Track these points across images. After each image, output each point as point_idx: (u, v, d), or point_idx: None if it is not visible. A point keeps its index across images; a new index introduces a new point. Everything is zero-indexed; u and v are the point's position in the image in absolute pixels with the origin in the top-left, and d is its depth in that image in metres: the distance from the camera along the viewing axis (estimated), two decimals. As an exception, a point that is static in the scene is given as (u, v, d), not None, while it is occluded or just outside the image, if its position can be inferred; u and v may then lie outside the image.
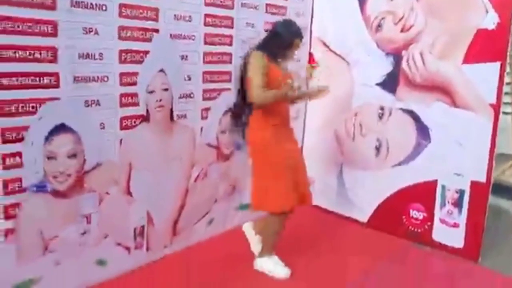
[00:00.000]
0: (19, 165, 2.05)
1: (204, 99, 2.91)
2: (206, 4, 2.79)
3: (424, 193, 3.11)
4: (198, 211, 3.03)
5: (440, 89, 2.96)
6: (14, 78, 1.98)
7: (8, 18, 1.92)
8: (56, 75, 2.13)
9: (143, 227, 2.66)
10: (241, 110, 2.62)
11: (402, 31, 3.10)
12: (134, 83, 2.48)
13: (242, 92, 2.57)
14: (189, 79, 2.79)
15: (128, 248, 2.61)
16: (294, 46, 2.57)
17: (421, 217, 3.14)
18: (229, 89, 3.01)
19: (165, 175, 2.74)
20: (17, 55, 1.98)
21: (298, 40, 2.57)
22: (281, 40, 2.54)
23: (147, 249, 2.71)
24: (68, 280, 2.32)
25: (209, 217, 3.11)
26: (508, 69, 3.08)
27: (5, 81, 1.95)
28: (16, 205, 2.07)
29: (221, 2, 2.89)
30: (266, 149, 2.56)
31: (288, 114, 2.67)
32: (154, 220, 2.71)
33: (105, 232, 2.48)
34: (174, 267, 2.73)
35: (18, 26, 1.96)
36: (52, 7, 2.06)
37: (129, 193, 2.56)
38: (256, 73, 2.43)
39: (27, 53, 2.01)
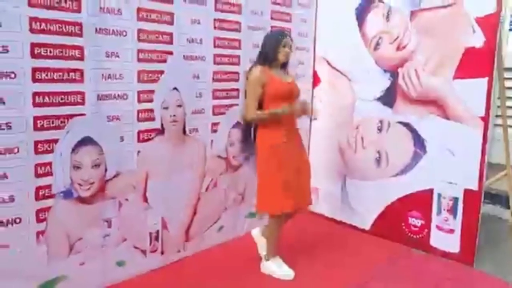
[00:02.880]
0: (49, 174, 2.30)
1: (214, 114, 3.14)
2: (216, 28, 3.04)
3: (421, 201, 3.27)
4: (209, 218, 3.23)
5: (434, 103, 3.14)
6: (46, 97, 2.24)
7: (42, 45, 2.18)
8: (82, 94, 2.38)
9: (158, 232, 2.87)
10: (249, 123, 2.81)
11: (397, 49, 3.31)
12: (151, 100, 2.72)
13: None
14: (200, 96, 3.03)
15: (144, 251, 2.82)
16: (281, 43, 2.73)
17: (419, 224, 3.30)
18: (236, 104, 3.25)
19: (178, 184, 2.95)
20: (48, 76, 2.23)
21: (281, 37, 2.74)
22: (268, 44, 2.75)
23: (162, 252, 2.92)
24: (91, 279, 2.54)
25: (219, 224, 3.31)
26: (498, 84, 3.25)
27: (38, 99, 2.21)
28: (47, 209, 2.31)
29: (229, 26, 3.14)
30: (271, 151, 2.71)
31: (294, 121, 2.83)
32: (168, 225, 2.92)
33: (124, 236, 2.70)
34: (187, 270, 2.92)
35: (51, 52, 2.22)
36: (79, 34, 2.32)
37: (145, 200, 2.78)
38: (249, 95, 2.69)
39: (57, 75, 2.27)
